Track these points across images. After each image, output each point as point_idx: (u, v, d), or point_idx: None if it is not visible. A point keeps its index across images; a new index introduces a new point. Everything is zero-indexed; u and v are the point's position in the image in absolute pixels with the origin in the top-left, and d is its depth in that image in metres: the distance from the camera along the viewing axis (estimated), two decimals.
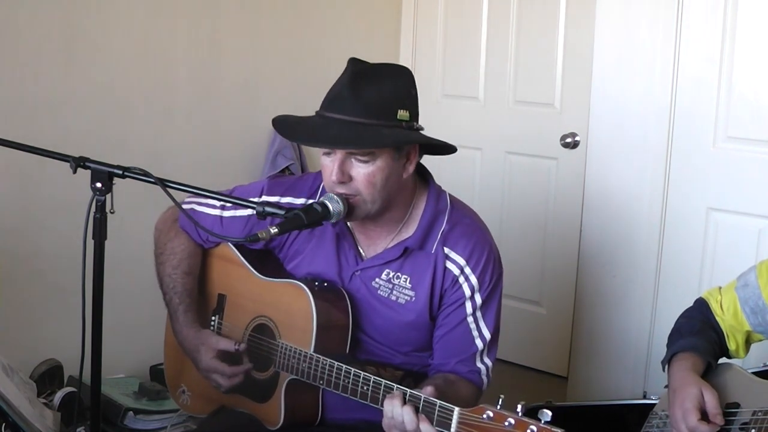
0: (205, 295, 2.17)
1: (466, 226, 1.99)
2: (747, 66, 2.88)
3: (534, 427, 1.50)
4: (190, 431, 2.67)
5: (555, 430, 1.48)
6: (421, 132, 1.91)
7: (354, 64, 1.88)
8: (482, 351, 1.97)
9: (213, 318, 2.14)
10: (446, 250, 1.95)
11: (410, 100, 1.89)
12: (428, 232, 1.96)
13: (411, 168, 1.92)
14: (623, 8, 3.12)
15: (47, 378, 2.81)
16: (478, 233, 1.99)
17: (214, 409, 2.14)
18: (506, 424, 1.52)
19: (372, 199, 1.86)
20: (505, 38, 3.71)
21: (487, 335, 1.97)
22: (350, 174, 1.84)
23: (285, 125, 1.95)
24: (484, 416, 1.55)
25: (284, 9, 3.57)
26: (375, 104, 1.82)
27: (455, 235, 1.96)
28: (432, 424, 1.64)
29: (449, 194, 2.04)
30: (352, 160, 1.83)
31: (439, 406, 1.63)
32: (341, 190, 1.84)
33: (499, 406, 1.53)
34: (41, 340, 2.96)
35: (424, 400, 1.66)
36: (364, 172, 1.83)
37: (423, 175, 2.03)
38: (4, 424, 2.20)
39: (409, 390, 1.69)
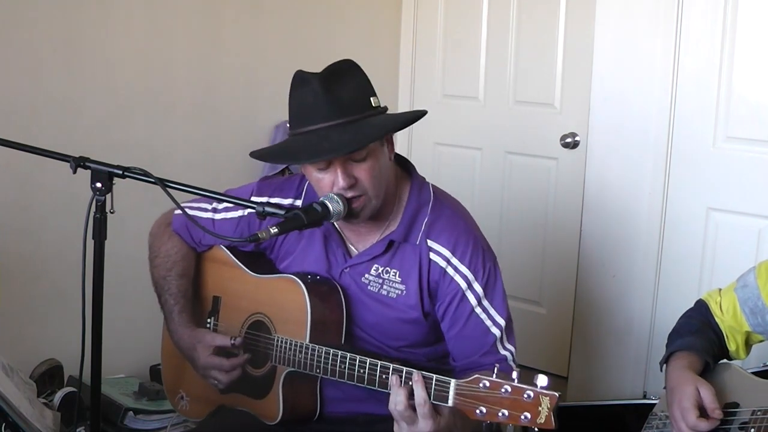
0: (199, 298, 2.18)
1: (448, 217, 1.99)
2: (747, 66, 2.88)
3: (530, 392, 1.52)
4: (189, 431, 2.67)
5: (551, 393, 1.50)
6: (389, 112, 1.94)
7: (308, 74, 1.87)
8: (501, 338, 1.96)
9: (208, 320, 2.15)
10: (430, 242, 1.96)
11: (371, 87, 1.92)
12: (412, 224, 1.97)
13: (392, 150, 1.95)
14: (623, 8, 3.12)
15: (47, 378, 2.81)
16: (461, 224, 1.99)
17: (213, 410, 2.15)
18: (503, 391, 1.54)
19: (376, 194, 1.88)
20: (505, 38, 3.71)
21: (501, 321, 1.96)
22: (354, 176, 1.85)
23: (275, 155, 1.98)
24: (480, 386, 1.57)
25: (284, 9, 3.57)
26: (353, 101, 1.84)
27: (439, 227, 1.97)
28: (429, 398, 1.64)
29: (432, 185, 2.04)
30: (350, 162, 1.84)
31: (436, 380, 1.64)
32: (350, 194, 1.84)
33: (516, 380, 1.54)
34: (41, 340, 2.96)
35: (422, 376, 1.66)
36: (365, 168, 1.85)
37: (405, 167, 2.04)
38: (4, 424, 2.20)
39: (404, 368, 1.70)
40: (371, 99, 1.87)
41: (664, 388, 1.95)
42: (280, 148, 1.96)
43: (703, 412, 1.79)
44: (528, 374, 1.97)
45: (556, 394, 1.50)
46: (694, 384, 1.83)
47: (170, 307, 2.10)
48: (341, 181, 1.83)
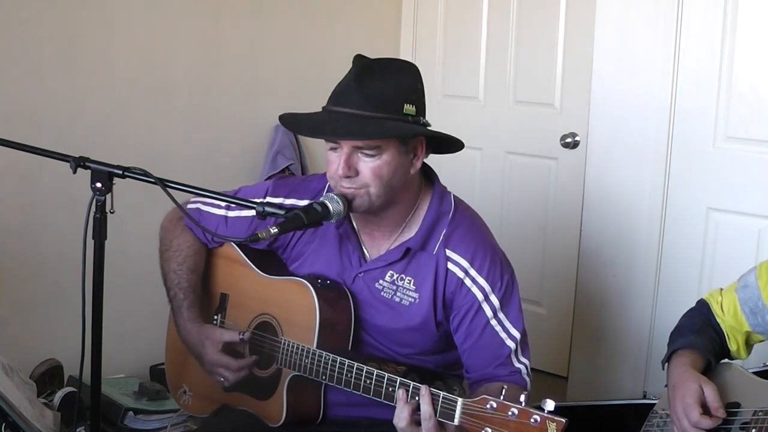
0: (207, 294, 2.17)
1: (468, 228, 1.98)
2: (747, 66, 2.88)
3: (537, 417, 1.51)
4: (190, 431, 2.67)
5: (557, 419, 1.49)
6: (428, 127, 1.91)
7: (360, 59, 1.89)
8: (516, 351, 1.94)
9: (215, 317, 2.15)
10: (448, 252, 1.95)
11: (416, 95, 1.89)
12: (430, 232, 1.95)
13: (418, 164, 1.92)
14: (623, 8, 3.12)
15: (47, 378, 2.81)
16: (480, 235, 1.99)
17: (216, 409, 2.15)
18: (510, 414, 1.54)
19: (377, 194, 1.86)
20: (505, 38, 3.71)
21: (516, 334, 1.95)
22: (357, 168, 1.84)
23: (292, 120, 1.95)
24: (488, 406, 1.56)
25: (284, 9, 3.57)
26: (380, 98, 1.82)
27: (457, 237, 1.95)
28: (436, 414, 1.64)
29: (454, 195, 2.03)
30: (359, 154, 1.83)
31: (443, 397, 1.64)
32: (347, 184, 1.84)
33: (523, 403, 1.54)
34: (41, 340, 2.96)
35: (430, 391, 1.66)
36: (371, 166, 1.83)
37: (428, 176, 2.03)
38: (4, 424, 2.20)
39: (411, 383, 1.69)
40: (405, 104, 1.84)
41: (666, 386, 1.95)
42: (299, 115, 1.94)
43: (705, 410, 1.79)
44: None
45: (563, 420, 1.49)
46: (698, 382, 1.83)
47: (180, 301, 2.09)
48: (339, 169, 1.83)
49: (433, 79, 3.94)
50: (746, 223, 2.93)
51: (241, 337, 1.99)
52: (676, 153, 3.06)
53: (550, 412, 1.50)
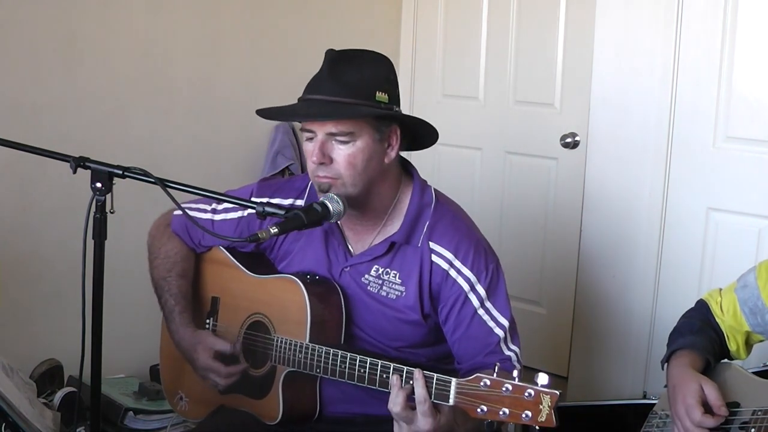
0: (198, 299, 2.18)
1: (450, 220, 1.99)
2: (747, 66, 2.88)
3: (531, 391, 1.52)
4: (190, 431, 2.67)
5: (551, 391, 1.51)
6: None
7: (330, 52, 1.92)
8: (505, 338, 1.96)
9: (207, 321, 2.15)
10: (432, 244, 1.96)
11: (389, 85, 1.92)
12: (414, 225, 1.97)
13: (393, 153, 1.94)
14: (623, 8, 3.12)
15: (47, 378, 2.81)
16: (463, 226, 2.00)
17: (213, 410, 2.15)
18: (504, 390, 1.55)
19: (353, 182, 1.87)
20: (505, 38, 3.71)
21: (505, 322, 1.96)
22: (331, 156, 1.86)
23: (268, 111, 2.00)
24: (482, 384, 1.57)
25: (284, 10, 3.57)
26: (353, 84, 1.85)
27: (440, 229, 1.97)
28: (430, 396, 1.65)
29: (434, 188, 2.05)
30: (333, 141, 1.86)
31: (437, 379, 1.65)
32: (322, 173, 1.86)
33: (516, 379, 1.55)
34: (41, 340, 2.96)
35: (423, 374, 1.67)
36: (344, 153, 1.85)
37: (408, 170, 2.04)
38: (4, 424, 2.20)
39: (405, 367, 1.70)
40: (377, 92, 1.87)
41: (665, 386, 1.95)
42: (277, 107, 2.00)
43: (707, 409, 1.79)
44: (528, 374, 1.97)
45: (557, 393, 1.51)
46: (698, 381, 1.83)
47: (171, 307, 2.10)
48: (314, 156, 1.85)
49: (433, 79, 3.94)
50: (746, 223, 2.93)
51: (232, 350, 2.00)
52: (676, 153, 3.06)
53: (543, 386, 1.52)
